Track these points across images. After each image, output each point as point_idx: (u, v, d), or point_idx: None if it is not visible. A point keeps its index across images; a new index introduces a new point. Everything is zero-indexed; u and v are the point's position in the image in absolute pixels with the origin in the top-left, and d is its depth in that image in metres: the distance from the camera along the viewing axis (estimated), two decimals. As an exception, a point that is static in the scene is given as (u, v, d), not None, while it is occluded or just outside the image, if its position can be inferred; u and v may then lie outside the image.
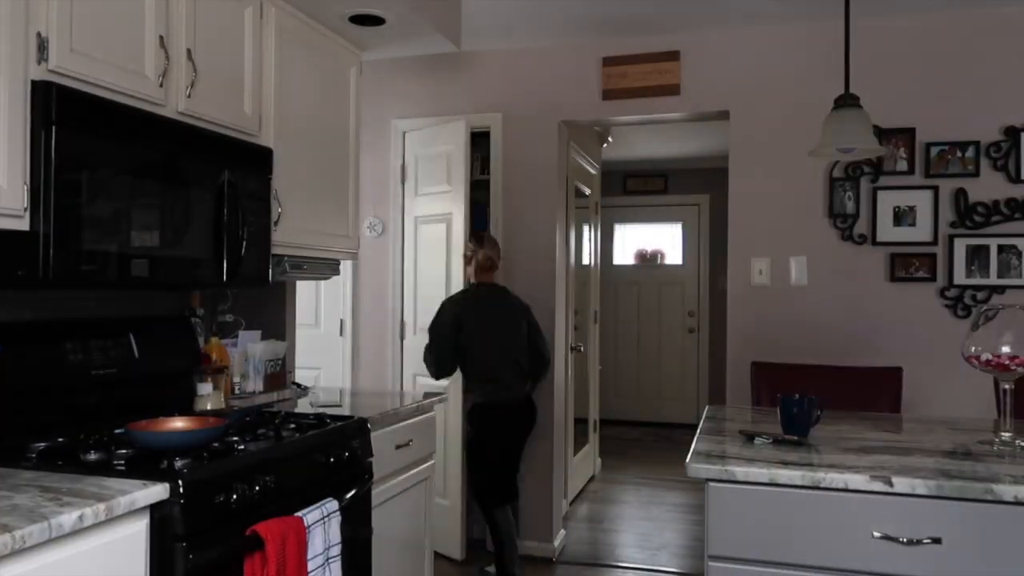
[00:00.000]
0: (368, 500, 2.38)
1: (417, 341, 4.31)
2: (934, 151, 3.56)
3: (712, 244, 7.64)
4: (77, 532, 1.44)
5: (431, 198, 4.27)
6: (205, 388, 2.40)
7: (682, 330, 7.75)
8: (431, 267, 4.26)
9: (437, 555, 4.15)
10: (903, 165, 3.59)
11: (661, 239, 7.92)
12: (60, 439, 1.90)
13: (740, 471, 1.80)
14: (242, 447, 1.94)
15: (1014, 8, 3.48)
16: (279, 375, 2.86)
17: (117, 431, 2.00)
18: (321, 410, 2.60)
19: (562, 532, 4.30)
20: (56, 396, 2.03)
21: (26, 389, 1.95)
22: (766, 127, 3.78)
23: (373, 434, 2.47)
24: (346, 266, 4.46)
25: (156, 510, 1.62)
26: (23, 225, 1.71)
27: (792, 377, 2.97)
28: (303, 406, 2.73)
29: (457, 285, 4.16)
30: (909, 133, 3.58)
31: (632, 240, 8.00)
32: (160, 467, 1.71)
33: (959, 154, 3.53)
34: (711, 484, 1.83)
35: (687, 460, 1.88)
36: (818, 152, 2.58)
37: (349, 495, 2.18)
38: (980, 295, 3.51)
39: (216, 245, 2.23)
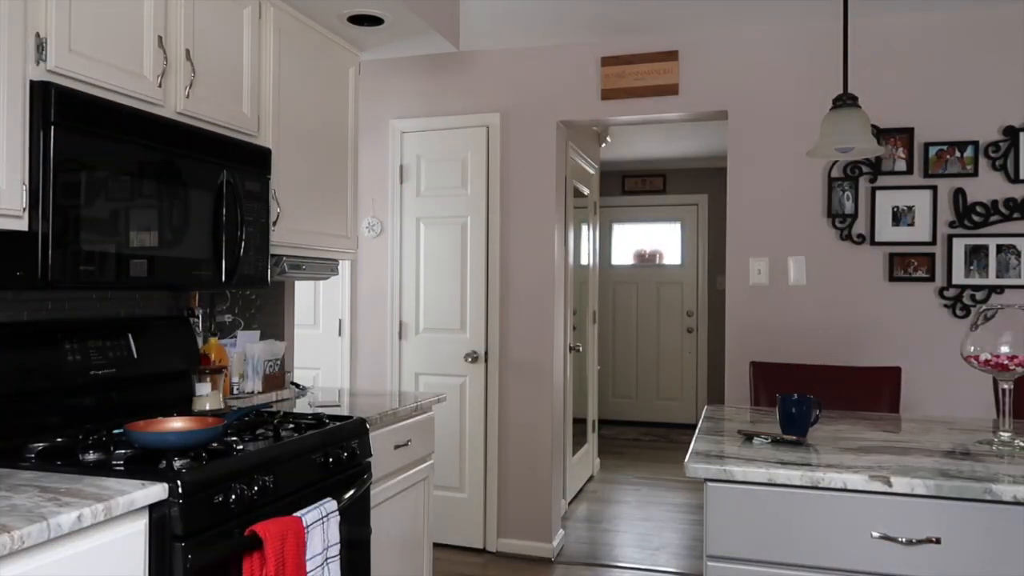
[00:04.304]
0: (367, 500, 2.38)
1: (420, 341, 4.32)
2: (933, 151, 3.56)
3: (711, 244, 7.65)
4: (76, 532, 1.44)
5: (440, 199, 4.28)
6: (204, 388, 2.40)
7: (681, 330, 7.75)
8: (441, 267, 4.27)
9: (457, 548, 4.18)
10: (902, 165, 3.59)
11: (659, 239, 7.92)
12: (59, 439, 1.90)
13: (739, 471, 1.80)
14: (241, 447, 1.93)
15: (1013, 8, 3.49)
16: (278, 375, 2.86)
17: (116, 431, 2.01)
18: (320, 410, 2.60)
19: (561, 532, 4.30)
20: (55, 396, 2.03)
21: (25, 389, 1.95)
22: (764, 127, 3.78)
23: (372, 434, 2.47)
24: (344, 266, 4.47)
25: (155, 510, 1.62)
26: (22, 225, 1.71)
27: (791, 377, 2.97)
28: (302, 406, 2.73)
29: (475, 285, 4.18)
30: (908, 133, 3.59)
31: (630, 240, 8.00)
32: (159, 467, 1.71)
33: (958, 154, 3.53)
34: (710, 484, 1.83)
35: (686, 460, 1.88)
36: (816, 152, 2.58)
37: (348, 495, 2.18)
38: (979, 295, 3.51)
39: (215, 245, 2.23)
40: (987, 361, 1.99)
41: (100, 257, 1.85)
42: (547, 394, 4.11)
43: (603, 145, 6.08)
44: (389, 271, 4.40)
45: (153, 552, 1.62)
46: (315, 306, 4.57)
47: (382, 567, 2.61)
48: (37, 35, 1.75)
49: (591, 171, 5.63)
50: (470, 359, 4.20)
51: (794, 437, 2.07)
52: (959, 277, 3.51)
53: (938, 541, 1.67)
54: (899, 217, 3.59)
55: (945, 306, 3.55)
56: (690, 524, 4.70)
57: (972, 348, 2.02)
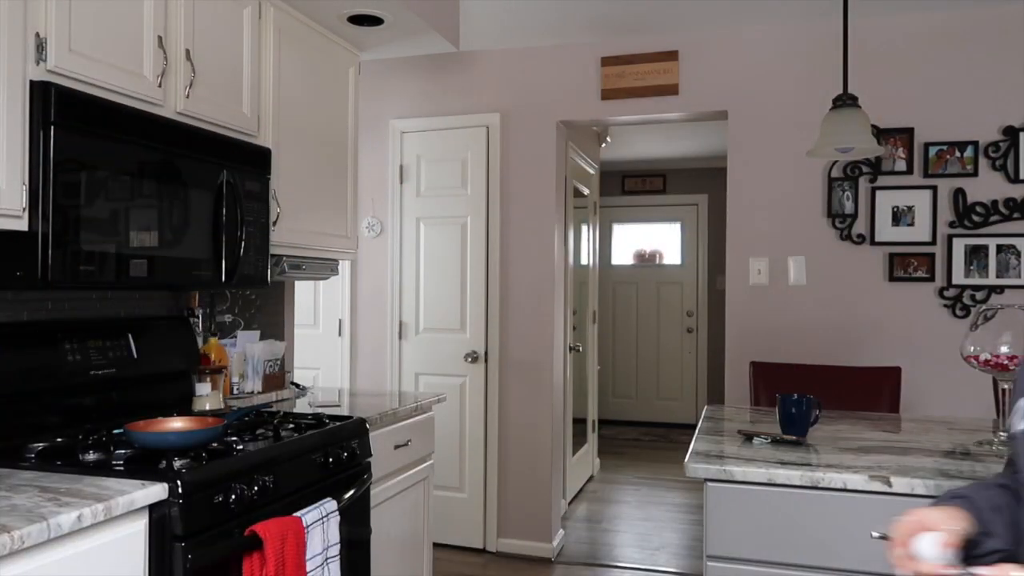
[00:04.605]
0: (367, 500, 2.38)
1: (420, 341, 4.32)
2: (932, 151, 3.56)
3: (711, 244, 7.64)
4: (76, 532, 1.44)
5: (440, 199, 4.28)
6: (204, 388, 2.40)
7: (680, 330, 7.75)
8: (441, 267, 4.28)
9: (457, 548, 4.18)
10: (901, 165, 3.59)
11: (659, 239, 7.92)
12: (59, 439, 1.90)
13: (739, 471, 1.80)
14: (241, 447, 1.94)
15: (1013, 8, 3.49)
16: (278, 375, 2.86)
17: (116, 431, 2.00)
18: (320, 410, 2.60)
19: (560, 532, 4.30)
20: (55, 396, 2.03)
21: (25, 389, 1.95)
22: (764, 127, 3.78)
23: (372, 434, 2.47)
24: (344, 266, 4.46)
25: (155, 510, 1.62)
26: (21, 225, 1.71)
27: (790, 377, 2.97)
28: (302, 406, 2.73)
29: (475, 285, 4.18)
30: (908, 133, 3.58)
31: (630, 240, 8.00)
32: (159, 467, 1.71)
33: (958, 154, 3.53)
34: (709, 484, 1.83)
35: (686, 460, 1.88)
36: (816, 152, 2.58)
37: (348, 495, 2.18)
38: (979, 295, 3.51)
39: (215, 245, 2.23)
40: (987, 361, 1.99)
41: (100, 257, 1.85)
42: (547, 394, 4.11)
43: (603, 145, 6.08)
44: (389, 271, 4.40)
45: (153, 552, 1.62)
46: (315, 306, 4.57)
47: (382, 567, 2.61)
48: (37, 35, 1.75)
49: (591, 171, 5.63)
50: (470, 359, 4.20)
51: (794, 437, 2.07)
52: (959, 277, 3.51)
53: (938, 541, 1.67)
54: (899, 217, 3.59)
55: (945, 306, 3.55)
56: (690, 524, 4.70)
57: (972, 348, 2.02)
